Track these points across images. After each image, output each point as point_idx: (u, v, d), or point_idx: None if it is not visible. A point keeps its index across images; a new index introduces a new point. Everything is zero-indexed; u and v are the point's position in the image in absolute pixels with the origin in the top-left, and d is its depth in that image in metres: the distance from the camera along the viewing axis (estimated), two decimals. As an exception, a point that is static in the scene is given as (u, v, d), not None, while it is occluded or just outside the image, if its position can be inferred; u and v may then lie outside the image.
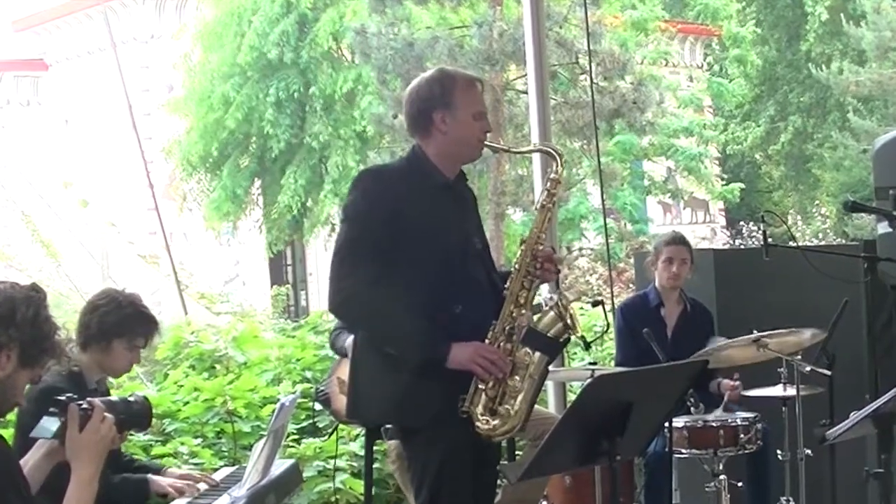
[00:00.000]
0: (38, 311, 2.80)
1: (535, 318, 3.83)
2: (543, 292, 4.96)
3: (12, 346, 2.74)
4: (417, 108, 3.91)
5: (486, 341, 3.77)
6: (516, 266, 3.85)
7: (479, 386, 3.74)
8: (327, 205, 19.51)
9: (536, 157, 6.50)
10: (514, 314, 3.81)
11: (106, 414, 2.82)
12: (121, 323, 4.18)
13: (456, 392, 3.73)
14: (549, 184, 3.93)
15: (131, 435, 6.03)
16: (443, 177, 3.90)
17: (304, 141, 19.74)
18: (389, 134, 16.79)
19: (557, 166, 3.93)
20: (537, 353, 3.79)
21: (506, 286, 3.85)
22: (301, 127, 19.94)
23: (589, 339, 4.34)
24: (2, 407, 2.79)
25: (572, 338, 3.91)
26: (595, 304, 5.46)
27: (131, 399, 3.02)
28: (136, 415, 3.01)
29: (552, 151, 4.02)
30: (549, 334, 3.80)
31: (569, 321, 3.81)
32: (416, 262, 3.74)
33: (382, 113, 16.67)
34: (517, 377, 3.76)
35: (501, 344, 3.78)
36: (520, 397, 3.75)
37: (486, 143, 3.93)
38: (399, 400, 3.76)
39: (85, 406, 2.80)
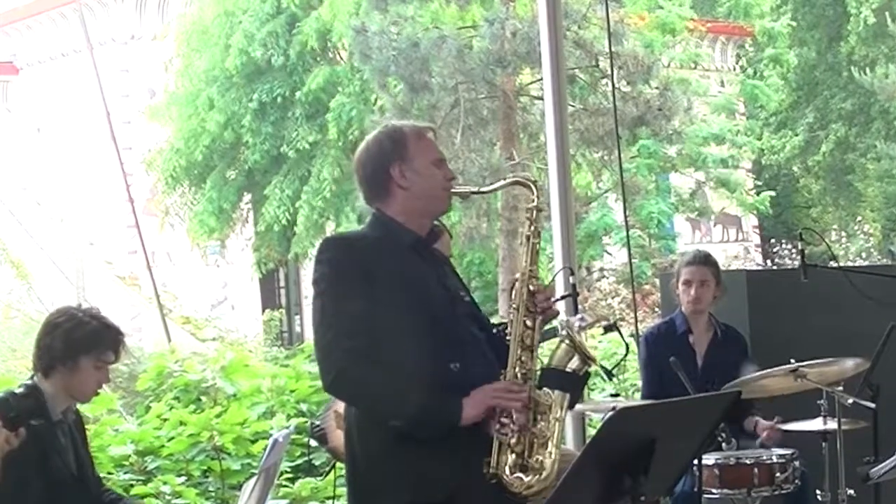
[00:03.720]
0: None
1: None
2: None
3: None
4: (371, 168, 3.91)
5: None
6: (514, 307, 3.82)
7: (503, 439, 3.67)
8: (303, 219, 19.31)
9: (553, 167, 6.54)
10: (522, 358, 3.77)
11: None
12: (88, 338, 4.19)
13: (476, 456, 3.67)
14: (528, 213, 3.91)
15: (109, 474, 6.06)
16: (412, 234, 3.89)
17: (295, 148, 19.65)
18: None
19: (534, 196, 3.90)
20: (557, 392, 3.74)
21: (507, 332, 3.83)
22: (283, 135, 19.87)
23: (609, 367, 4.35)
24: None
25: (592, 369, 3.87)
26: (608, 329, 5.44)
27: (20, 392, 3.02)
28: (29, 408, 3.00)
29: (525, 182, 3.97)
30: (566, 370, 3.78)
31: (584, 351, 3.78)
32: (402, 324, 3.73)
33: (380, 122, 16.63)
34: (542, 422, 3.72)
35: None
36: (551, 444, 3.70)
37: (453, 190, 3.94)
38: (414, 474, 3.68)
39: None
